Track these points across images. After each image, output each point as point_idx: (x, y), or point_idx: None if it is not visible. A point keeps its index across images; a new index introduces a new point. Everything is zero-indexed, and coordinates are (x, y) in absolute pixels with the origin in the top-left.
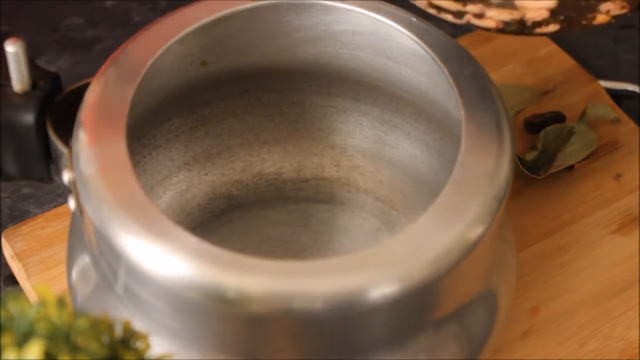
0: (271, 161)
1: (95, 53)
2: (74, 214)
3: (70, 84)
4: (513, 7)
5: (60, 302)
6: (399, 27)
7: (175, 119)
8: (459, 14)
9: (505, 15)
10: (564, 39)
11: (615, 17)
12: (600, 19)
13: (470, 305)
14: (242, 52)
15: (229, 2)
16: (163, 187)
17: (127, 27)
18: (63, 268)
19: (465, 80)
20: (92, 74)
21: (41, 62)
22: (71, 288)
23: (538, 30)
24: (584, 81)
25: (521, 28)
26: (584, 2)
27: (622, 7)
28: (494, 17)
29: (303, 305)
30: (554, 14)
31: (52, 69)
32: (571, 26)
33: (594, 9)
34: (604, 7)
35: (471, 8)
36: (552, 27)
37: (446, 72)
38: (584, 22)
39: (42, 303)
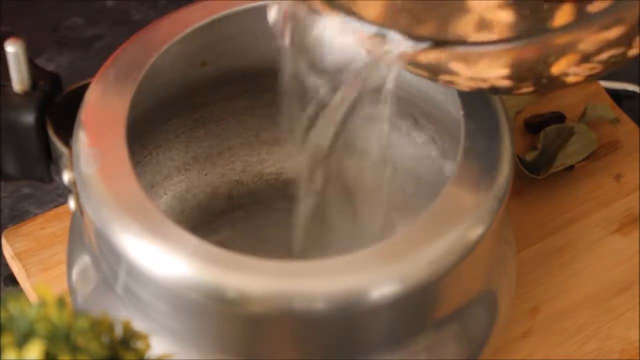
0: (271, 161)
1: (95, 50)
2: (74, 214)
3: (70, 81)
4: (480, 80)
5: (60, 302)
6: None
7: (175, 119)
8: (433, 80)
9: (473, 84)
10: None
11: (589, 76)
12: (572, 79)
13: (471, 305)
14: (242, 52)
15: (229, 2)
16: (163, 187)
17: (127, 25)
18: (63, 268)
19: None
20: (92, 71)
21: (41, 60)
22: (71, 288)
23: (514, 92)
24: None
25: (495, 91)
26: (543, 75)
27: (592, 69)
28: (464, 84)
29: (303, 305)
30: (518, 80)
31: (52, 66)
32: (545, 89)
33: (555, 76)
34: (572, 70)
35: (443, 77)
36: (526, 89)
37: None
38: (556, 84)
39: (42, 303)
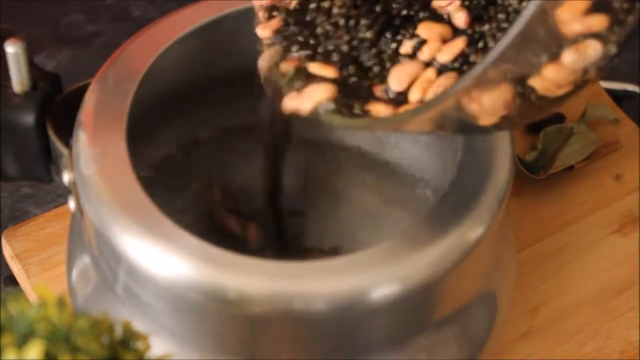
0: None
1: (95, 47)
2: (74, 214)
3: (70, 77)
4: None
5: (60, 303)
6: None
7: (175, 119)
8: None
9: None
10: None
11: (504, 118)
12: (485, 121)
13: (471, 306)
14: (242, 52)
15: (229, 2)
16: (162, 186)
17: (127, 21)
18: (63, 268)
19: None
20: (92, 67)
21: (41, 57)
22: (71, 288)
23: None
24: None
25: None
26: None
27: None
28: None
29: (303, 306)
30: (440, 129)
31: (52, 63)
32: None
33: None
34: (484, 119)
35: None
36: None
37: None
38: (475, 126)
39: (42, 303)
